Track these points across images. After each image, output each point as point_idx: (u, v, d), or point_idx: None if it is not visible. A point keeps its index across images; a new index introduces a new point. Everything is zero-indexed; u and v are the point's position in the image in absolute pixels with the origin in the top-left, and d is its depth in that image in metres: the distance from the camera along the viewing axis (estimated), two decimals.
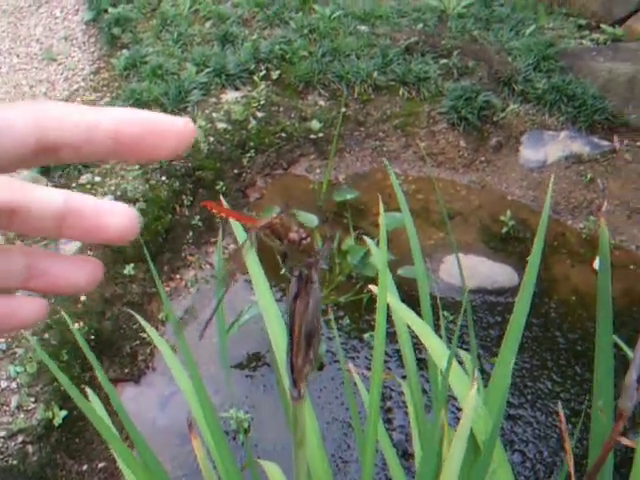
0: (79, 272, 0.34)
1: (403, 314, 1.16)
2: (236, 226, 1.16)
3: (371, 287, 1.29)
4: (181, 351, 1.39)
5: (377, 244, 1.46)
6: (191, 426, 1.10)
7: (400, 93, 3.77)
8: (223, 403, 2.29)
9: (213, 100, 3.53)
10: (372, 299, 2.75)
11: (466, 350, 1.37)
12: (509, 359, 0.99)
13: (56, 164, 0.32)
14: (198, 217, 3.07)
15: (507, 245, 3.18)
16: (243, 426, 2.26)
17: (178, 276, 2.89)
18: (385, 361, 2.54)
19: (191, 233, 3.05)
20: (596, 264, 3.07)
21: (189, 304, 2.76)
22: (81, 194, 0.33)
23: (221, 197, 1.18)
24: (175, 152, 0.32)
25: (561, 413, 0.85)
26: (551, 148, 3.64)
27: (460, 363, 1.25)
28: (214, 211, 0.35)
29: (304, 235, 0.38)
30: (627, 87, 3.75)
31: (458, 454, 0.80)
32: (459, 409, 1.06)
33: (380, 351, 0.89)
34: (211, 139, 3.30)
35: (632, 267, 3.10)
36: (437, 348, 1.09)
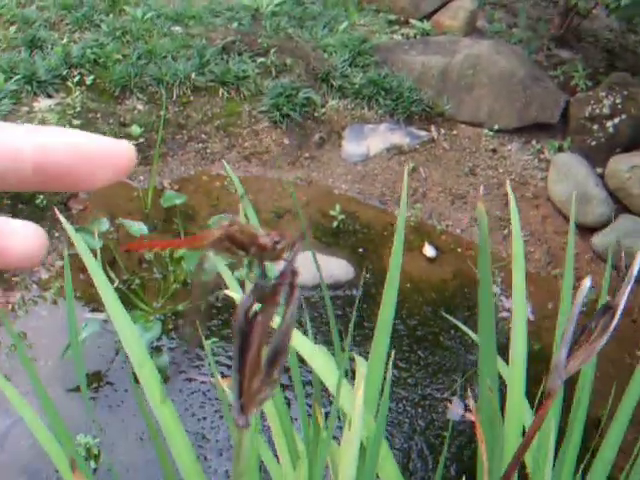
0: (25, 238, 0.29)
1: None
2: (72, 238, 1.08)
3: (227, 292, 1.24)
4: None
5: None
6: (74, 464, 1.00)
7: (220, 93, 3.72)
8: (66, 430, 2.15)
9: (25, 109, 3.32)
10: (210, 305, 2.69)
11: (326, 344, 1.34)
12: (382, 355, 0.97)
13: None
14: None
15: (339, 239, 3.21)
16: (93, 452, 2.12)
17: (2, 300, 2.69)
18: (230, 366, 2.49)
19: None
20: (426, 250, 3.15)
21: (19, 329, 2.58)
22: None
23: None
24: (112, 181, 0.27)
25: (471, 405, 0.84)
26: (372, 141, 3.71)
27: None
28: (142, 251, 0.28)
29: (277, 238, 0.32)
30: (440, 79, 3.90)
31: (351, 460, 0.76)
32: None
33: None
34: None
35: (459, 250, 3.21)
36: (304, 345, 1.05)
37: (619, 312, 0.51)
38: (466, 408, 2.42)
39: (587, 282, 0.53)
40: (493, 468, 0.88)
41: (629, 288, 0.53)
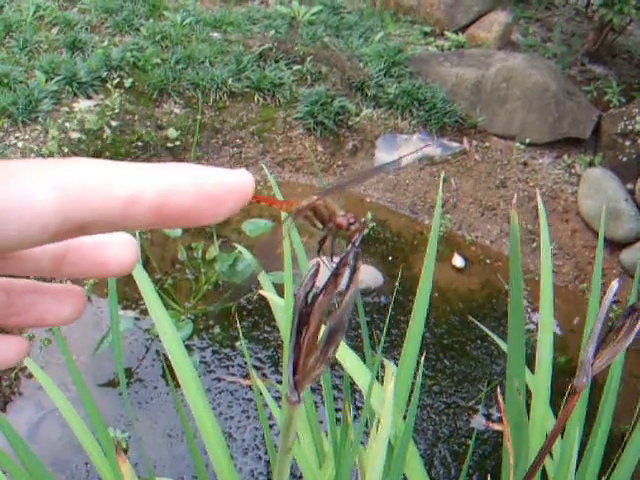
0: (63, 304, 0.30)
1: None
2: None
3: (261, 292, 1.28)
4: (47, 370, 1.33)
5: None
6: (118, 449, 1.04)
7: (255, 99, 3.77)
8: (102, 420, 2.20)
9: (65, 109, 3.39)
10: (240, 307, 2.73)
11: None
12: (413, 359, 1.00)
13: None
14: None
15: (369, 246, 3.24)
16: (122, 446, 2.18)
17: None
18: (258, 368, 2.53)
19: None
20: (455, 261, 3.18)
21: None
22: None
23: None
24: (229, 215, 0.26)
25: (501, 404, 0.87)
26: (404, 151, 3.74)
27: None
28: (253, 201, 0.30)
29: (352, 220, 0.35)
30: (473, 91, 3.92)
31: (379, 460, 0.80)
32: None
33: None
34: (65, 150, 3.18)
35: (488, 261, 3.23)
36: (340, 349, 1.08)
37: None
38: (490, 418, 2.44)
39: (615, 284, 0.56)
40: (519, 470, 0.92)
41: None
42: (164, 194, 0.24)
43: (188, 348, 2.52)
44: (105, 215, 0.23)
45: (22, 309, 0.29)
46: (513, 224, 0.88)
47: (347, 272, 0.36)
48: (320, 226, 0.36)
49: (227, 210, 0.25)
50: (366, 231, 0.36)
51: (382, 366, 1.22)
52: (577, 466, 1.15)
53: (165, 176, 0.24)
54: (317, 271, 0.37)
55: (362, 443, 1.24)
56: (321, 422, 2.01)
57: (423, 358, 0.97)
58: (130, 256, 0.29)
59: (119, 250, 0.28)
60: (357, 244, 0.36)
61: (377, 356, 1.14)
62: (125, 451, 2.19)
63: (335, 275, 0.36)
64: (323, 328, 0.37)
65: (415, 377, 1.10)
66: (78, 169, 0.23)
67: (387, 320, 1.14)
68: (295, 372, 0.39)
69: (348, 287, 0.36)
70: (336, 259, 0.37)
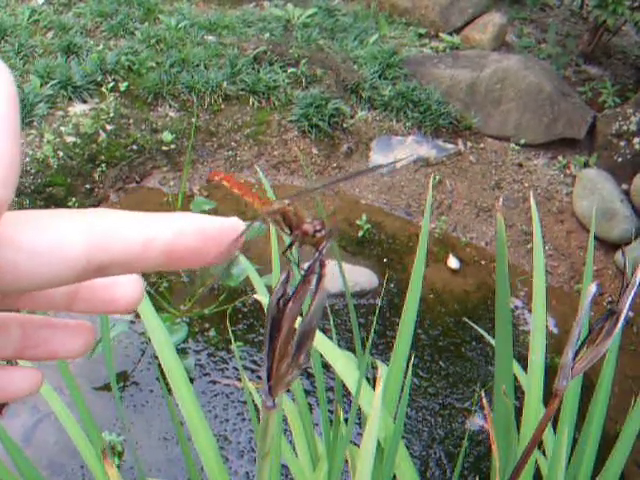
0: (74, 339, 0.32)
1: None
2: None
3: (256, 297, 1.28)
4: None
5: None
6: (105, 453, 1.04)
7: (250, 102, 3.77)
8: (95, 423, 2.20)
9: (60, 113, 3.39)
10: (236, 310, 2.74)
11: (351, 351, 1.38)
12: (402, 361, 1.01)
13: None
14: None
15: (364, 248, 3.24)
16: (117, 449, 2.18)
17: None
18: (254, 370, 2.53)
19: None
20: (450, 262, 3.18)
21: None
22: None
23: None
24: (229, 255, 0.29)
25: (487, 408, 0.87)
26: (399, 153, 3.74)
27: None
28: (224, 182, 0.30)
29: (318, 227, 0.35)
30: (468, 92, 3.93)
31: (369, 460, 0.80)
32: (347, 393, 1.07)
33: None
34: (60, 154, 3.18)
35: (483, 262, 3.23)
36: (328, 350, 1.09)
37: (622, 317, 0.54)
38: (485, 419, 2.44)
39: (593, 288, 0.56)
40: (507, 471, 0.92)
41: (633, 294, 0.56)
42: (174, 238, 0.27)
43: (183, 351, 2.52)
44: (124, 258, 0.27)
45: (36, 343, 0.32)
46: (499, 225, 0.88)
47: (314, 280, 0.37)
48: (288, 232, 0.36)
49: (221, 252, 0.29)
50: (332, 241, 0.36)
51: (375, 367, 1.22)
52: (569, 464, 1.16)
53: (174, 222, 0.28)
54: (288, 277, 0.38)
55: (357, 445, 1.25)
56: (316, 425, 2.02)
57: (418, 360, 0.97)
58: (137, 294, 0.31)
59: (127, 288, 0.31)
60: (323, 252, 0.36)
61: (362, 357, 1.15)
62: (121, 454, 2.19)
63: (303, 282, 0.37)
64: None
65: (405, 373, 1.10)
66: (101, 217, 0.27)
67: (375, 321, 1.14)
68: (269, 378, 0.40)
69: (315, 294, 0.36)
70: (304, 266, 0.37)
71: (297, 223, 0.35)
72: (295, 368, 0.39)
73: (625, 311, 0.55)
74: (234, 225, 0.29)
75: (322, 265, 0.36)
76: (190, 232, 0.28)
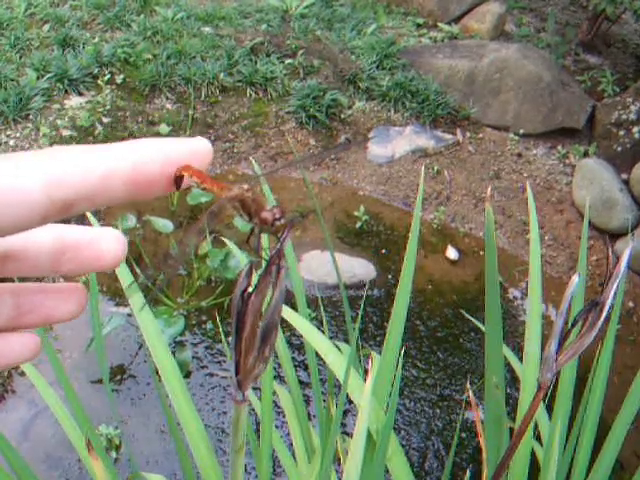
0: (67, 301, 0.33)
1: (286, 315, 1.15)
2: None
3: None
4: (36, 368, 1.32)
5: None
6: (90, 447, 1.03)
7: (247, 94, 3.76)
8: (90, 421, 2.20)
9: (56, 106, 3.38)
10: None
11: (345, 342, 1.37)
12: (395, 350, 0.99)
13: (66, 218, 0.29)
14: None
15: (362, 239, 3.23)
16: (115, 442, 2.17)
17: None
18: None
19: None
20: (448, 253, 3.17)
21: None
22: (69, 225, 0.31)
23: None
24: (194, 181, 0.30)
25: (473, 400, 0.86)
26: (398, 143, 3.73)
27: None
28: (184, 173, 0.29)
29: (278, 216, 0.34)
30: (466, 82, 3.91)
31: (359, 452, 0.79)
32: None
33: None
34: None
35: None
36: (320, 343, 1.08)
37: (606, 308, 0.53)
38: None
39: (575, 278, 0.55)
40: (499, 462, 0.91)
41: (616, 285, 0.55)
42: (135, 166, 0.28)
43: (181, 344, 2.52)
44: (86, 192, 0.27)
45: (30, 309, 0.32)
46: (488, 216, 0.87)
47: (273, 271, 0.35)
48: (246, 218, 0.35)
49: (193, 174, 0.30)
50: (292, 230, 0.34)
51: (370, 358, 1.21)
52: (564, 452, 1.15)
53: (134, 152, 0.28)
54: (251, 270, 0.37)
55: (349, 434, 1.24)
56: (314, 416, 2.01)
57: (416, 351, 0.96)
58: (120, 247, 0.31)
59: (110, 243, 0.31)
60: (284, 241, 0.35)
61: (349, 348, 1.14)
62: (117, 447, 2.18)
63: (264, 275, 0.35)
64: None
65: (397, 365, 1.09)
66: (56, 155, 0.27)
67: (367, 312, 1.13)
68: (237, 372, 0.39)
69: (275, 287, 0.35)
70: (265, 255, 0.36)
71: (256, 210, 0.34)
72: (261, 362, 0.38)
73: (609, 302, 0.54)
74: (199, 144, 0.30)
75: (280, 256, 0.35)
76: (151, 160, 0.28)
